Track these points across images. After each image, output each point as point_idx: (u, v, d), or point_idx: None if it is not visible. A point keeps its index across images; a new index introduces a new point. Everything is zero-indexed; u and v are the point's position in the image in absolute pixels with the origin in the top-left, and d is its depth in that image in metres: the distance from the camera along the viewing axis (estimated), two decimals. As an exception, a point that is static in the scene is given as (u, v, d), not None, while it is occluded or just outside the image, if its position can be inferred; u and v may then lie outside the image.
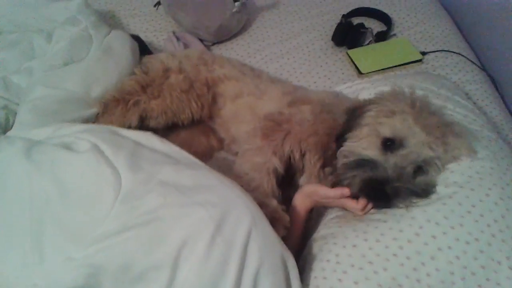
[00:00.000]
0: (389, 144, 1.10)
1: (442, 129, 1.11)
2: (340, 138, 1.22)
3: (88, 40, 1.54)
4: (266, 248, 0.98)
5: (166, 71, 1.52)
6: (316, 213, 1.30)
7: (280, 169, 1.28)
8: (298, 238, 1.22)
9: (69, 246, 0.94)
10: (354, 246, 1.06)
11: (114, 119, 1.44)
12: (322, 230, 1.18)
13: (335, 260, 1.06)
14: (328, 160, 1.28)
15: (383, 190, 1.07)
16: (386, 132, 1.11)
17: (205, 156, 1.58)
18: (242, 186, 1.22)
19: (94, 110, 1.44)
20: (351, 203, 1.15)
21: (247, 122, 1.49)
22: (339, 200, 1.16)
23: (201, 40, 1.94)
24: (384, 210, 1.12)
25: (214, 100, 1.56)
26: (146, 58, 1.61)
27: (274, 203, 1.19)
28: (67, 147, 1.09)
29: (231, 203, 1.01)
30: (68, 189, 1.00)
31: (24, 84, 1.46)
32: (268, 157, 1.27)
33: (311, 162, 1.29)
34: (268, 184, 1.25)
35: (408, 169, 1.08)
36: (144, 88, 1.48)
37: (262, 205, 1.10)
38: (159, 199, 0.99)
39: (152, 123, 1.50)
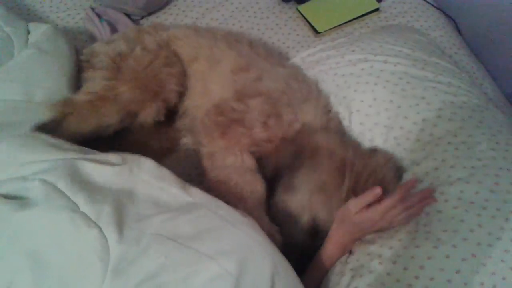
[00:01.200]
0: None
1: None
2: None
3: (7, 41, 1.22)
4: None
5: (119, 56, 1.25)
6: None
7: (255, 166, 1.13)
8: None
9: None
10: (371, 272, 0.93)
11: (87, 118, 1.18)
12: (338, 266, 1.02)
13: None
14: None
15: None
16: None
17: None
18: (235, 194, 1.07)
19: (42, 117, 1.16)
20: (389, 201, 0.95)
21: (198, 99, 1.30)
22: (379, 209, 0.96)
23: (128, 16, 1.64)
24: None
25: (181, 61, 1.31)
26: (87, 57, 1.31)
27: (267, 221, 1.03)
28: (27, 202, 0.84)
29: (244, 247, 0.82)
30: (42, 266, 0.77)
31: None
32: (239, 156, 1.11)
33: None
34: (258, 184, 1.09)
35: None
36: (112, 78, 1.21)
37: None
38: (159, 260, 0.78)
39: (144, 117, 1.24)
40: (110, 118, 1.20)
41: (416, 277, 0.88)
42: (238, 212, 0.90)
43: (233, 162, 1.10)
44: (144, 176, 0.94)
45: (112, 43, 1.31)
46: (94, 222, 0.81)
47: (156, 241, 0.80)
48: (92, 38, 1.56)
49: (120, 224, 0.81)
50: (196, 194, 0.92)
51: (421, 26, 1.63)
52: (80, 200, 0.83)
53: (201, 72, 1.29)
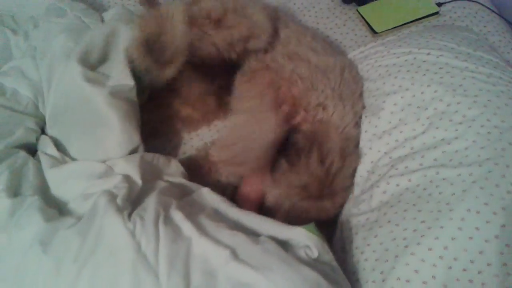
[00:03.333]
0: None
1: None
2: None
3: (87, 30, 1.43)
4: None
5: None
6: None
7: None
8: None
9: None
10: (397, 256, 0.97)
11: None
12: (356, 242, 1.08)
13: (380, 278, 0.96)
14: None
15: None
16: None
17: None
18: None
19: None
20: None
21: None
22: None
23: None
24: (418, 207, 1.03)
25: None
26: None
27: None
28: (98, 232, 0.95)
29: (265, 265, 0.86)
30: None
31: (10, 84, 1.32)
32: None
33: None
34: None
35: None
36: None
37: None
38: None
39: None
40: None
41: (441, 257, 0.92)
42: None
43: None
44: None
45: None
46: (153, 268, 0.89)
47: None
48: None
49: (170, 270, 0.88)
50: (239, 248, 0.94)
51: (480, 30, 1.64)
52: (147, 242, 0.92)
53: None
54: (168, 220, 0.97)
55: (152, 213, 0.96)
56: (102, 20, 1.49)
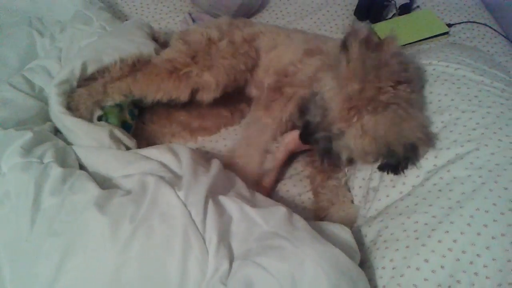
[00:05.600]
0: None
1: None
2: None
3: None
4: None
5: (209, 40, 1.46)
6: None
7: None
8: None
9: None
10: (407, 247, 1.04)
11: (165, 90, 1.39)
12: (369, 234, 1.16)
13: (390, 266, 1.04)
14: None
15: None
16: None
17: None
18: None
19: None
20: None
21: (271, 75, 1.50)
22: None
23: (220, 20, 1.88)
24: (429, 202, 1.09)
25: (258, 55, 1.52)
26: (180, 34, 1.54)
27: None
28: (153, 200, 1.03)
29: (299, 266, 0.92)
30: (150, 266, 0.96)
31: (38, 82, 1.40)
32: (267, 136, 1.41)
33: None
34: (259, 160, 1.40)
35: None
36: (194, 58, 1.42)
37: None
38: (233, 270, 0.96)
39: (206, 97, 1.44)
40: (180, 92, 1.40)
41: (450, 250, 0.99)
42: (300, 230, 1.02)
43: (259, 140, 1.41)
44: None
45: (207, 27, 1.51)
46: (203, 236, 0.99)
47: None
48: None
49: (219, 243, 0.98)
50: (271, 222, 1.04)
51: (488, 51, 1.73)
52: (196, 212, 1.01)
53: (278, 53, 1.49)
54: (215, 200, 1.06)
55: (203, 193, 1.04)
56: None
